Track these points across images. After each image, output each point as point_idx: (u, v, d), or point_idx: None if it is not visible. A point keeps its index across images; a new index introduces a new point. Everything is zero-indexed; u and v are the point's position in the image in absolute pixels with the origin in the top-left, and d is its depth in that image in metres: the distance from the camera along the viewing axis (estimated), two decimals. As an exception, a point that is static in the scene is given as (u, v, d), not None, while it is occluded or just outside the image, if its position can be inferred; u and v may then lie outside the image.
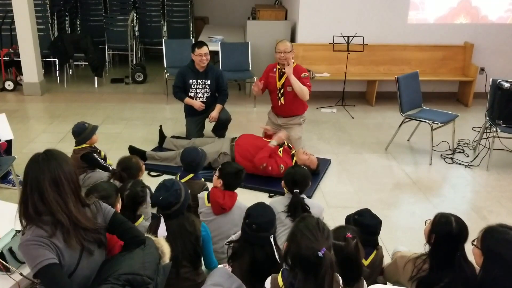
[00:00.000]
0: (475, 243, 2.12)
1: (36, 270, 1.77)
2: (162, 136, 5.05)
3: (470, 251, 2.20)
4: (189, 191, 2.66)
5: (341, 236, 2.23)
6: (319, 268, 1.76)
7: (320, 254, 1.74)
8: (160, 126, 5.12)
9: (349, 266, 2.14)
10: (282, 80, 4.76)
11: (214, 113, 5.03)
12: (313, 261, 1.76)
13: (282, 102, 4.82)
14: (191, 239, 2.48)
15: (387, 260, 2.80)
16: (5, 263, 2.04)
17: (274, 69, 4.84)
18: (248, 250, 2.31)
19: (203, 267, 2.67)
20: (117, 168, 3.29)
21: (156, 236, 2.35)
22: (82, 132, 3.88)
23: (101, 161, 3.90)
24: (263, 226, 2.29)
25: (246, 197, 4.06)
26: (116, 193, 2.61)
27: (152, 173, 4.46)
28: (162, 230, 2.42)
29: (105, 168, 3.90)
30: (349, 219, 2.72)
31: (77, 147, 3.91)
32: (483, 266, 2.07)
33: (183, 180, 3.32)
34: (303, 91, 4.63)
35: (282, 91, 4.79)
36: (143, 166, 3.44)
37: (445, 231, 2.23)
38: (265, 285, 1.99)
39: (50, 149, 1.94)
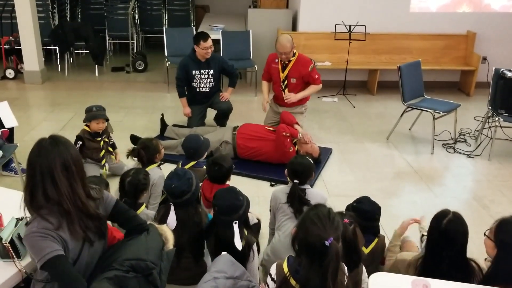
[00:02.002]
0: (487, 234, 2.10)
1: (44, 262, 1.74)
2: (163, 125, 5.04)
3: (482, 243, 2.19)
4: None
5: None
6: (324, 257, 1.76)
7: (326, 243, 1.75)
8: (162, 114, 5.11)
9: (347, 252, 2.15)
10: (286, 72, 4.77)
11: (226, 94, 5.16)
12: (319, 249, 1.76)
13: (286, 93, 4.82)
14: (196, 230, 2.47)
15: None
16: (11, 251, 2.04)
17: (276, 60, 4.84)
18: (214, 230, 2.35)
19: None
20: (138, 146, 3.35)
21: (165, 224, 2.36)
22: (87, 112, 4.02)
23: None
24: (222, 209, 2.31)
25: (247, 187, 4.07)
26: (106, 187, 2.64)
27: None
28: (172, 219, 2.42)
29: None
30: (348, 208, 2.73)
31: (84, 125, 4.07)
32: (496, 259, 2.05)
33: (185, 168, 3.33)
34: (315, 90, 4.89)
35: (286, 82, 4.80)
36: (162, 150, 3.47)
37: (435, 225, 2.17)
38: (270, 271, 2.00)
39: (55, 134, 1.92)
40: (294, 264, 1.90)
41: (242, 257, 2.29)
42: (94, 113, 3.98)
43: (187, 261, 2.47)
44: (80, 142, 3.94)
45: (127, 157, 3.43)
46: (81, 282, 1.78)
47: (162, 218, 2.47)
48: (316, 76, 4.79)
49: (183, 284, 2.49)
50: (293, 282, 1.89)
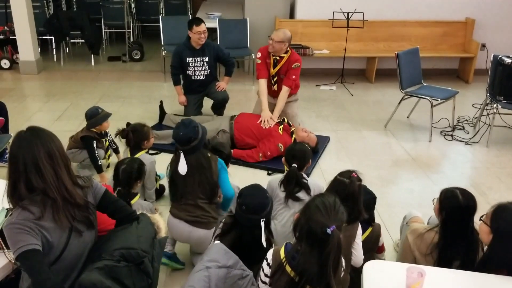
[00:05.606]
0: (483, 219, 2.08)
1: (17, 254, 1.75)
2: (162, 112, 5.00)
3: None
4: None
5: (346, 174, 2.41)
6: (324, 245, 1.74)
7: (328, 230, 1.72)
8: (161, 101, 5.06)
9: (349, 205, 2.18)
10: (276, 68, 4.60)
11: (223, 83, 5.08)
12: (320, 236, 1.74)
13: (275, 89, 4.71)
14: (206, 174, 2.65)
15: (385, 238, 2.79)
16: (1, 242, 2.02)
17: (269, 55, 4.62)
18: (236, 229, 2.29)
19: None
20: (128, 128, 3.34)
21: (178, 171, 2.60)
22: (93, 117, 3.84)
23: (95, 152, 3.83)
24: (252, 208, 2.25)
25: (244, 175, 4.06)
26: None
27: (150, 151, 4.42)
28: (183, 165, 2.60)
29: (95, 161, 3.82)
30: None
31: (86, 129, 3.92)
32: (491, 244, 2.03)
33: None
34: (286, 96, 4.59)
35: (276, 78, 4.68)
36: (152, 139, 3.48)
37: (453, 205, 2.23)
38: (267, 256, 1.99)
39: (33, 126, 1.90)
40: (292, 251, 1.89)
41: (261, 259, 2.20)
42: (104, 114, 3.89)
43: (202, 201, 2.68)
44: (95, 142, 3.86)
45: (115, 137, 3.49)
46: (48, 278, 1.75)
47: (175, 167, 2.64)
48: (293, 77, 4.54)
49: (191, 222, 2.67)
50: (288, 268, 1.87)
